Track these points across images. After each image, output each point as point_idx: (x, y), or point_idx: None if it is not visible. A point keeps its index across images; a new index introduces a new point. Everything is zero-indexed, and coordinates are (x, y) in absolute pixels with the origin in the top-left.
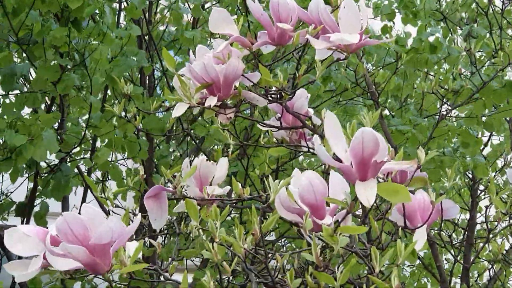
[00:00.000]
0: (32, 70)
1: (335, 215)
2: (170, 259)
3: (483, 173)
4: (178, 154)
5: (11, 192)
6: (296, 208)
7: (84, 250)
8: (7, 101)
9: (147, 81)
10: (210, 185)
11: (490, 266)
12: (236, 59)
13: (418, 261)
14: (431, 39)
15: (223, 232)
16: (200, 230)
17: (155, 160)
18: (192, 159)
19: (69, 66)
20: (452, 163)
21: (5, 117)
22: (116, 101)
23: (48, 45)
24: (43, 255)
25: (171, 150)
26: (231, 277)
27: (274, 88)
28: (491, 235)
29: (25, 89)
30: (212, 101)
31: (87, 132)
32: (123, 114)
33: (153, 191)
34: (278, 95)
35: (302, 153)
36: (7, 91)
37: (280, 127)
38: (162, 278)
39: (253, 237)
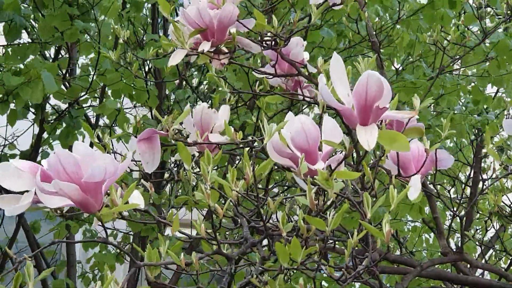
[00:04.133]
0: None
1: (327, 160)
2: (167, 208)
3: (494, 131)
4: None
5: (17, 137)
6: (288, 153)
7: (77, 187)
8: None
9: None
10: (211, 132)
11: (487, 218)
12: (231, 4)
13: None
14: None
15: (215, 175)
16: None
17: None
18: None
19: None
20: (461, 121)
21: (3, 64)
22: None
23: None
24: (35, 190)
25: (187, 95)
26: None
27: (268, 35)
28: (487, 185)
29: (28, 40)
30: (205, 46)
31: (96, 80)
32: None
33: (145, 134)
34: (273, 42)
35: (299, 101)
36: (10, 42)
37: (275, 74)
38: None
39: (244, 181)
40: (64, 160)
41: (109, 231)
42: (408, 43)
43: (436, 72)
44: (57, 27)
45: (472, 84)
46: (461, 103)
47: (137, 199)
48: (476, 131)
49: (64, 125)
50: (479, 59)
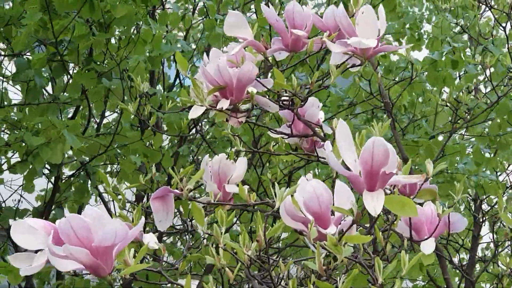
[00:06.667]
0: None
1: (339, 224)
2: (180, 259)
3: (494, 191)
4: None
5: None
6: (300, 217)
7: (87, 252)
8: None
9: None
10: (228, 183)
11: (497, 281)
12: (250, 63)
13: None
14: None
15: (228, 237)
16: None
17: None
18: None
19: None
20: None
21: (24, 124)
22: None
23: (84, 50)
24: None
25: (191, 149)
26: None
27: (286, 95)
28: (498, 251)
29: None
30: (224, 103)
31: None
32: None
33: (160, 192)
34: (290, 102)
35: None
36: (29, 102)
37: (290, 134)
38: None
39: (257, 243)
40: (75, 224)
41: None
42: (409, 102)
43: (436, 131)
44: (84, 85)
45: (474, 145)
46: (462, 164)
47: (152, 242)
48: (474, 192)
49: (78, 182)
50: (480, 119)
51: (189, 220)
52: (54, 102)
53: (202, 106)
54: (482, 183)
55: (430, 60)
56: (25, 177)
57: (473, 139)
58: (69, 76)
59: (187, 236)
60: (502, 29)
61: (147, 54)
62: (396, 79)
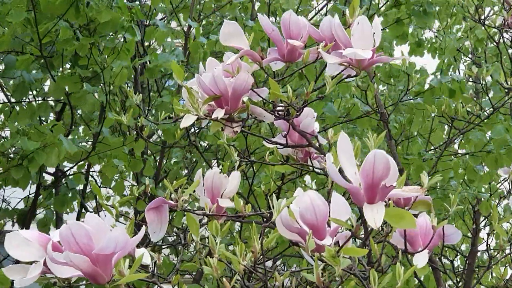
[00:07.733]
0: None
1: (335, 236)
2: (173, 270)
3: (486, 210)
4: (182, 166)
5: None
6: (296, 228)
7: (87, 259)
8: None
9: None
10: (221, 197)
11: None
12: (245, 73)
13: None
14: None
15: (223, 248)
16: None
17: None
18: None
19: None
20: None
21: (16, 123)
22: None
23: (68, 54)
24: (43, 262)
25: (185, 156)
26: None
27: (281, 105)
28: (493, 262)
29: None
30: (219, 113)
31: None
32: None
33: (155, 203)
34: (285, 112)
35: (307, 171)
36: (18, 100)
37: (286, 144)
38: None
39: (252, 254)
40: (76, 231)
41: None
42: (407, 118)
43: (430, 147)
44: (68, 88)
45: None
46: (455, 180)
47: (145, 257)
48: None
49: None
50: (478, 147)
51: (181, 232)
52: (44, 101)
53: (197, 115)
54: (471, 198)
55: (429, 88)
56: (20, 181)
57: (467, 156)
58: (52, 79)
59: (180, 248)
60: (495, 45)
61: (149, 64)
62: (398, 87)
